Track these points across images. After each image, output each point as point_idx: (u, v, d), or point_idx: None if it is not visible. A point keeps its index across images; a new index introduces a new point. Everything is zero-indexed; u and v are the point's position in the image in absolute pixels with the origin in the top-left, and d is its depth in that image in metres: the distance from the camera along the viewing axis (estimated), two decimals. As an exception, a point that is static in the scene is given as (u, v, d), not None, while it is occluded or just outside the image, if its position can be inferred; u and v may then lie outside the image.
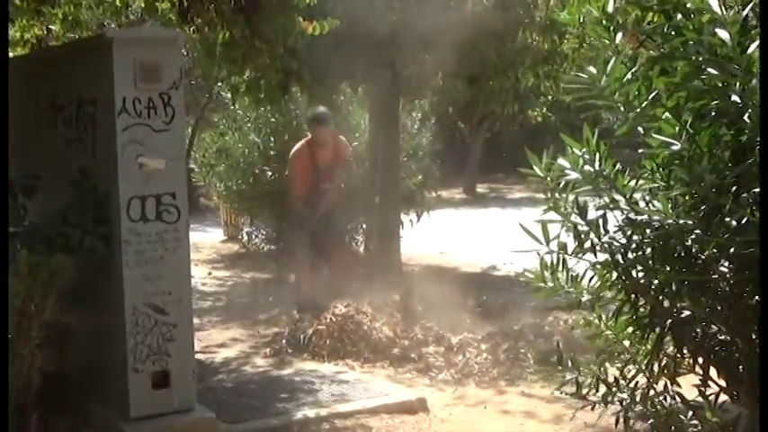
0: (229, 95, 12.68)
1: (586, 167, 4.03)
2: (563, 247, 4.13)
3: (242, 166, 13.68)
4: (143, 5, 8.34)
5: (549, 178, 4.21)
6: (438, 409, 6.58)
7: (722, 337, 4.05)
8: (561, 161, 4.11)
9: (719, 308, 3.96)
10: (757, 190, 3.57)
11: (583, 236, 4.11)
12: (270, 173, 13.31)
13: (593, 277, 4.25)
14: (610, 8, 4.09)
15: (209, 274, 13.08)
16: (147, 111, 5.35)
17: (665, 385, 4.33)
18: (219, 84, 14.48)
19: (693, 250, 3.91)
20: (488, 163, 28.35)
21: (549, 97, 21.07)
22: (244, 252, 14.68)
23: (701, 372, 4.19)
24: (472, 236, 16.30)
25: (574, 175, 4.05)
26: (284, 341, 8.21)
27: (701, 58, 3.69)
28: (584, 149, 4.06)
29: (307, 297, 9.40)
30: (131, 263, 5.39)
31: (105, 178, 5.45)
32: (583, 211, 4.10)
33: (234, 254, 14.79)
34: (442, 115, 25.27)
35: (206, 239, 16.45)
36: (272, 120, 13.49)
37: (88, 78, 5.68)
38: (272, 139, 13.43)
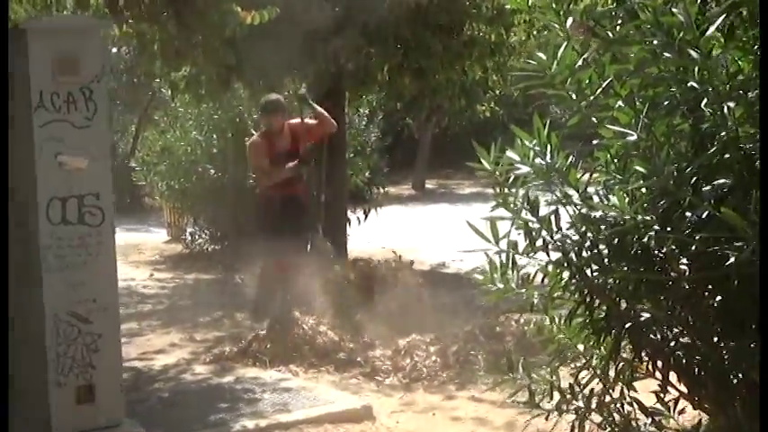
0: (169, 92, 12.41)
1: (537, 160, 3.78)
2: (513, 245, 3.87)
3: (184, 165, 13.35)
4: (73, -1, 7.99)
5: (497, 172, 3.95)
6: (384, 417, 6.30)
7: (683, 340, 3.80)
8: (510, 154, 3.86)
9: (679, 309, 3.72)
10: (718, 182, 3.34)
11: (534, 233, 3.85)
12: (213, 171, 13.00)
13: (544, 278, 3.99)
14: (560, -8, 3.84)
15: (151, 275, 12.73)
16: (67, 106, 4.98)
17: (622, 391, 4.08)
18: (158, 80, 14.10)
19: (652, 248, 3.66)
20: (437, 159, 28.13)
21: (497, 92, 20.97)
22: (187, 253, 14.33)
23: (659, 377, 3.94)
24: (421, 233, 16.04)
25: (524, 169, 3.81)
26: (227, 348, 7.88)
27: (656, 42, 3.44)
28: (534, 141, 3.81)
29: (267, 297, 8.97)
30: (52, 268, 5.02)
31: (24, 179, 5.07)
32: (534, 207, 3.84)
33: (177, 255, 14.44)
34: (391, 111, 25.11)
35: (149, 240, 16.11)
36: (215, 117, 13.17)
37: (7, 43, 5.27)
38: (214, 136, 13.13)
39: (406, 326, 7.89)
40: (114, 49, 10.76)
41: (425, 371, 7.17)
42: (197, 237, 14.40)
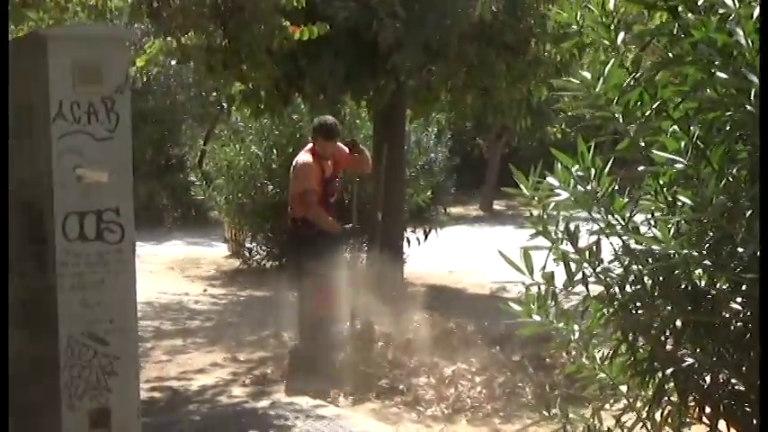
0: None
1: (578, 187, 3.49)
2: (549, 277, 3.59)
3: (243, 180, 13.21)
4: (128, 10, 7.85)
5: (536, 198, 3.67)
6: (421, 451, 6.04)
7: (732, 387, 3.48)
8: (550, 179, 3.57)
9: (730, 352, 3.40)
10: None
11: (574, 265, 3.56)
12: (271, 186, 12.84)
13: (584, 312, 3.70)
14: (610, 5, 3.55)
15: (205, 291, 12.60)
16: (88, 117, 4.76)
17: (669, 438, 3.76)
18: (215, 93, 14.02)
19: (700, 286, 3.35)
20: (507, 180, 27.73)
21: (569, 113, 20.63)
22: (245, 269, 14.19)
23: (708, 423, 3.62)
24: (484, 255, 15.68)
25: (563, 195, 3.51)
26: (268, 370, 7.66)
27: (715, 62, 3.14)
28: (576, 166, 3.53)
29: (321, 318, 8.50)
30: (67, 287, 4.79)
31: (40, 192, 4.87)
32: (573, 237, 3.55)
33: (234, 270, 14.31)
34: (460, 130, 24.89)
35: (209, 254, 16.02)
36: (276, 131, 13.02)
37: (23, 80, 5.09)
38: (274, 151, 12.97)
39: (454, 353, 7.60)
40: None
41: (470, 402, 6.87)
42: (255, 253, 14.25)
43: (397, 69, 10.20)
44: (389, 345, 7.74)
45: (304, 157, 8.32)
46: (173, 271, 14.47)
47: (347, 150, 8.49)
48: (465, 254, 15.39)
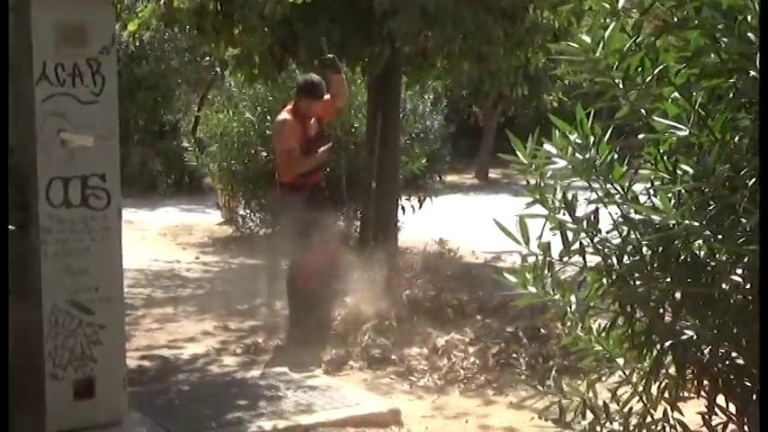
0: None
1: (576, 155, 3.39)
2: (545, 248, 3.49)
3: (236, 146, 13.09)
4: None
5: (533, 166, 3.57)
6: (413, 422, 5.94)
7: (732, 360, 3.39)
8: (548, 146, 3.47)
9: (730, 326, 3.31)
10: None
11: (571, 235, 3.47)
12: (265, 153, 12.72)
13: (582, 284, 3.61)
14: (610, -34, 3.43)
15: (197, 258, 12.51)
16: (72, 79, 4.66)
17: (665, 412, 3.67)
18: (207, 58, 13.87)
19: (701, 257, 3.26)
20: (503, 148, 27.53)
21: (566, 81, 20.47)
22: (237, 236, 14.09)
23: (706, 397, 3.54)
24: (480, 224, 15.59)
25: (561, 163, 3.42)
26: (260, 339, 7.58)
27: (719, 26, 3.04)
28: (575, 134, 3.43)
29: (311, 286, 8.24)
30: (51, 254, 4.70)
31: (25, 156, 4.75)
32: (570, 206, 3.45)
33: (227, 238, 14.21)
34: (457, 98, 24.74)
35: (202, 221, 15.93)
36: (270, 98, 12.87)
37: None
38: (268, 117, 12.83)
39: (448, 323, 7.51)
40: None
41: (463, 372, 6.78)
42: (248, 220, 14.15)
43: (392, 35, 10.06)
44: (381, 314, 7.63)
45: (283, 115, 8.15)
46: (165, 238, 14.38)
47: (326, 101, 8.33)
48: (460, 222, 15.29)
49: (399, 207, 12.12)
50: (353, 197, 11.69)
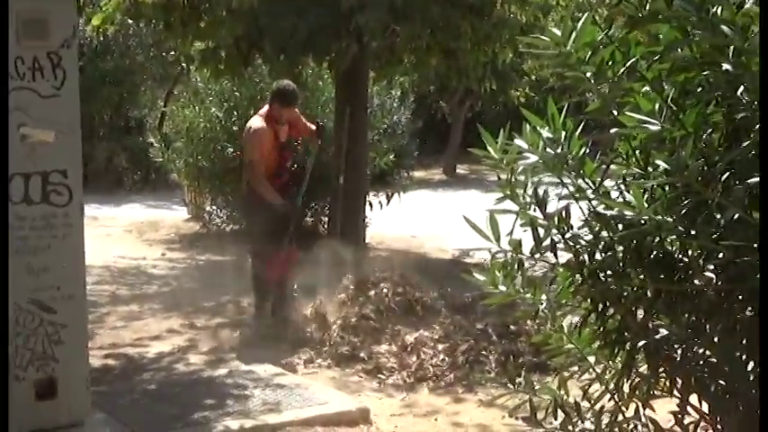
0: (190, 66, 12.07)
1: (547, 149, 3.33)
2: (516, 244, 3.44)
3: (203, 142, 12.97)
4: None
5: (504, 161, 3.52)
6: (382, 420, 5.87)
7: (705, 358, 3.35)
8: (518, 141, 3.41)
9: (703, 324, 3.27)
10: (752, 180, 2.87)
11: (542, 231, 3.41)
12: (232, 149, 12.61)
13: (553, 281, 3.56)
14: (581, -42, 3.38)
15: (163, 255, 12.39)
16: (32, 72, 4.55)
17: (637, 410, 3.62)
18: (173, 53, 13.74)
19: (673, 253, 3.22)
20: (470, 143, 27.57)
21: (533, 77, 20.47)
22: (204, 233, 13.96)
23: (679, 396, 3.49)
24: (448, 219, 15.55)
25: (532, 158, 3.36)
26: (226, 337, 7.50)
27: (691, 19, 2.99)
28: (545, 128, 3.38)
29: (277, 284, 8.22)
30: (12, 251, 4.59)
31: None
32: (542, 202, 3.40)
33: (193, 234, 14.08)
34: (424, 93, 24.68)
35: (168, 217, 15.79)
36: (236, 93, 12.76)
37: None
38: (234, 113, 12.72)
39: (415, 320, 7.45)
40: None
41: (432, 370, 6.72)
42: (214, 217, 14.03)
43: (359, 30, 10.00)
44: (349, 311, 7.56)
45: (256, 122, 8.13)
46: (131, 234, 14.24)
47: (309, 124, 8.36)
48: (428, 218, 15.25)
49: (367, 203, 12.06)
50: (321, 193, 11.61)
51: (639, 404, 3.62)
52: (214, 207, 14.11)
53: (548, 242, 3.41)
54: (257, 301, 7.99)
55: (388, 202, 13.70)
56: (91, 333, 7.77)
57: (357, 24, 9.84)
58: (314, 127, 8.44)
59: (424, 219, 15.00)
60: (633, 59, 3.22)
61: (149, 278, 10.72)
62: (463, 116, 26.43)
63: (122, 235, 14.13)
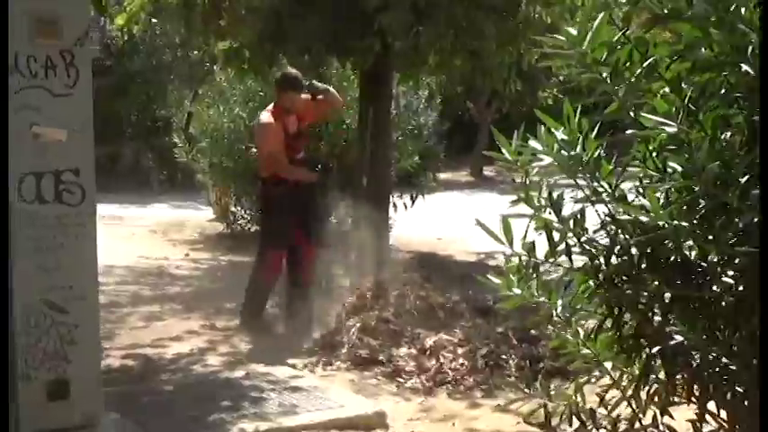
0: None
1: (563, 152, 3.28)
2: (530, 248, 3.38)
3: (227, 142, 12.95)
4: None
5: (519, 163, 3.46)
6: (399, 424, 5.79)
7: (724, 365, 3.27)
8: (533, 143, 3.36)
9: (721, 329, 3.20)
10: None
11: (557, 235, 3.36)
12: (255, 149, 12.57)
13: (568, 285, 3.49)
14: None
15: (187, 255, 12.36)
16: (45, 71, 4.51)
17: (655, 417, 3.55)
18: (195, 52, 13.73)
19: (691, 258, 3.14)
20: (497, 146, 27.42)
21: (561, 78, 20.31)
22: (228, 233, 13.94)
23: (697, 403, 3.42)
24: (473, 221, 15.43)
25: (546, 161, 3.30)
26: (245, 339, 7.47)
27: (711, 18, 2.93)
28: (561, 129, 3.32)
29: (263, 290, 8.33)
30: (24, 251, 4.57)
31: (-1, 153, 4.60)
32: (556, 205, 3.34)
33: (218, 235, 14.05)
34: (451, 95, 24.58)
35: (194, 218, 15.77)
36: (261, 93, 12.73)
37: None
38: (259, 113, 12.66)
39: (437, 323, 7.39)
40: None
41: (451, 374, 6.63)
42: (239, 217, 14.01)
43: (383, 30, 9.94)
44: (369, 314, 7.50)
45: (264, 116, 8.20)
46: (155, 234, 14.23)
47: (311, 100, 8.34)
48: (454, 220, 15.16)
49: (391, 205, 12.00)
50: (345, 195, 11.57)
51: (657, 411, 3.55)
52: (238, 207, 14.09)
53: (563, 246, 3.36)
54: (287, 300, 8.03)
55: (413, 203, 13.64)
56: (110, 333, 7.82)
57: (380, 24, 9.78)
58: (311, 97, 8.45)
59: (449, 221, 14.92)
60: (651, 60, 3.16)
61: (172, 278, 10.68)
62: (490, 118, 26.34)
63: (147, 235, 14.13)
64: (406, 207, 13.38)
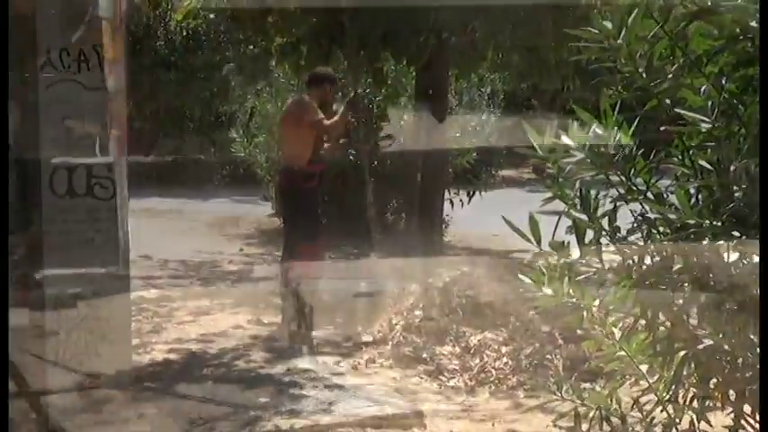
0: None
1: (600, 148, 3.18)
2: (558, 246, 3.29)
3: (284, 137, 12.94)
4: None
5: (550, 159, 3.37)
6: (437, 424, 5.70)
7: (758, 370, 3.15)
8: (565, 138, 3.26)
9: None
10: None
11: (588, 233, 3.26)
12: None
13: (601, 285, 3.39)
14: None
15: (240, 250, 12.40)
16: (78, 64, 4.52)
17: (691, 422, 3.44)
18: (251, 47, 13.74)
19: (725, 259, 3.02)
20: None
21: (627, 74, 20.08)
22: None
23: (733, 408, 3.30)
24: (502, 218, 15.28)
25: (578, 156, 3.20)
26: (291, 334, 7.44)
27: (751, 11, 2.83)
28: (595, 125, 3.22)
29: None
30: (55, 245, 4.57)
31: (29, 144, 4.59)
32: (587, 203, 3.24)
33: (273, 230, 14.04)
34: (515, 91, 24.41)
35: (252, 212, 15.80)
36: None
37: (16, 26, 4.78)
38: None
39: (483, 320, 7.29)
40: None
41: (494, 373, 6.54)
42: (295, 211, 13.99)
43: (439, 26, 9.87)
44: (414, 311, 7.43)
45: (305, 96, 8.04)
46: (212, 229, 14.30)
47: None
48: (513, 216, 15.01)
49: (446, 201, 11.92)
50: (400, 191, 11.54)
51: (694, 416, 3.44)
52: (295, 202, 14.07)
53: (595, 245, 3.27)
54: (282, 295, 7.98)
55: (469, 200, 13.55)
56: (158, 327, 7.84)
57: (436, 19, 9.71)
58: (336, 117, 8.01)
59: (508, 217, 14.78)
60: (691, 54, 3.05)
61: (223, 273, 10.72)
62: (555, 114, 26.17)
63: (204, 229, 14.20)
64: (462, 204, 13.30)
